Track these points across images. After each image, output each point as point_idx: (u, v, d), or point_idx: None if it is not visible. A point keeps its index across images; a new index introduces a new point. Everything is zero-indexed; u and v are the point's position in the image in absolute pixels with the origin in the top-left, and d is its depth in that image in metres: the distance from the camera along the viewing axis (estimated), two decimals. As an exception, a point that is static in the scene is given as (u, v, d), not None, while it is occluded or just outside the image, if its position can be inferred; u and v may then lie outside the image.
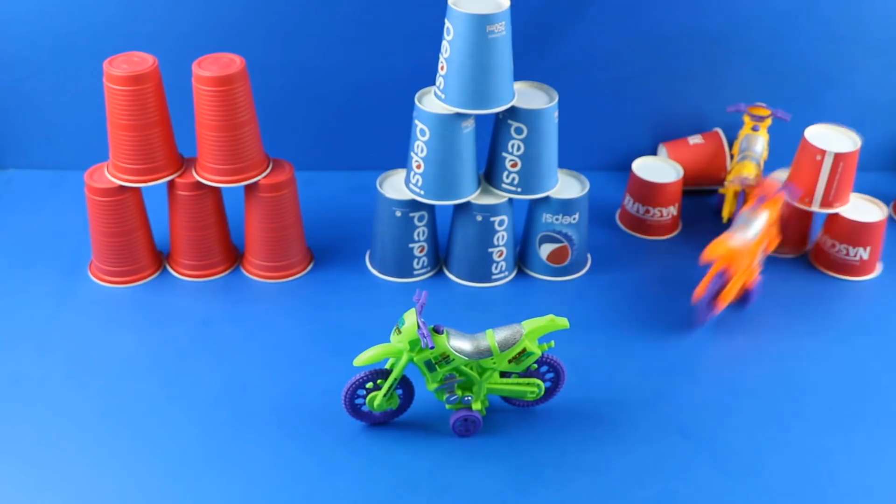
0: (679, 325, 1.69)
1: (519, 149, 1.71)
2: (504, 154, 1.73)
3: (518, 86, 1.73)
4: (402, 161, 1.82)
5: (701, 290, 1.63)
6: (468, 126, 1.69)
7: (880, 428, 1.46)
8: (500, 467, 1.36)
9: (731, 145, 2.10)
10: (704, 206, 2.11)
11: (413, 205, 1.74)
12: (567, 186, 1.80)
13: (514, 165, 1.72)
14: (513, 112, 1.69)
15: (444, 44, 1.63)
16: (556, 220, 1.77)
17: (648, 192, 1.94)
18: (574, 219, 1.77)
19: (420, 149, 1.70)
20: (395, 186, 1.78)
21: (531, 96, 1.73)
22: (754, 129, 2.00)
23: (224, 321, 1.68)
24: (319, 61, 2.04)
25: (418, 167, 1.72)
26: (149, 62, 1.62)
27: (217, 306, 1.72)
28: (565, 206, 1.76)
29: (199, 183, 1.72)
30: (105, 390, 1.50)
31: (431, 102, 1.69)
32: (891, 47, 2.08)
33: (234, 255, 1.86)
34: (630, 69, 2.09)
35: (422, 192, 1.73)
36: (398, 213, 1.75)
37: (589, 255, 1.88)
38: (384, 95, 2.07)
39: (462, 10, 1.57)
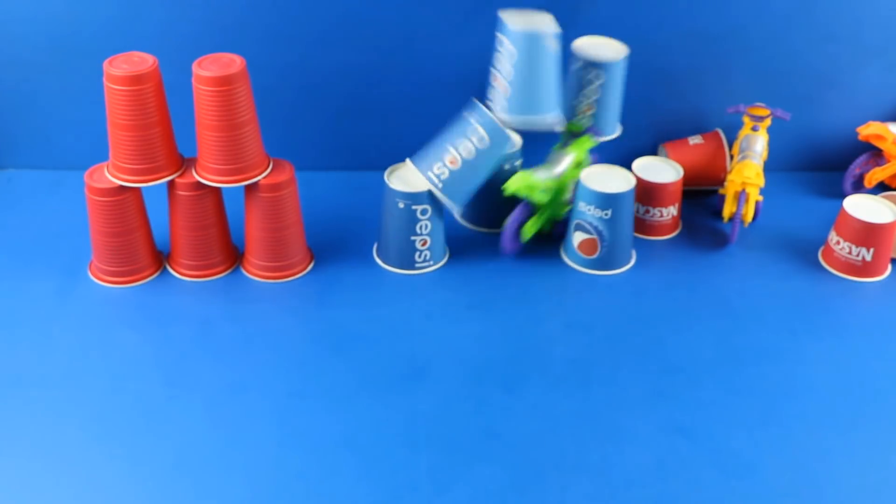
0: (678, 324, 1.69)
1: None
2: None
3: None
4: (402, 161, 1.82)
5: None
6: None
7: (880, 428, 1.46)
8: (500, 467, 1.36)
9: (731, 145, 2.10)
10: (704, 206, 2.11)
11: (416, 198, 1.75)
12: (610, 180, 1.81)
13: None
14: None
15: (499, 56, 1.72)
16: (589, 210, 1.78)
17: (648, 192, 1.94)
18: (606, 214, 1.77)
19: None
20: (403, 178, 1.80)
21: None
22: (754, 129, 2.00)
23: (224, 321, 1.68)
24: (319, 61, 2.04)
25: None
26: (149, 62, 1.62)
27: (217, 306, 1.72)
28: (598, 199, 1.77)
29: (199, 183, 1.72)
30: (105, 390, 1.50)
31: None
32: (891, 47, 2.08)
33: (234, 256, 1.85)
34: (630, 69, 2.09)
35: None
36: (401, 205, 1.76)
37: (634, 253, 1.88)
38: (384, 95, 2.07)
39: (520, 29, 1.72)
